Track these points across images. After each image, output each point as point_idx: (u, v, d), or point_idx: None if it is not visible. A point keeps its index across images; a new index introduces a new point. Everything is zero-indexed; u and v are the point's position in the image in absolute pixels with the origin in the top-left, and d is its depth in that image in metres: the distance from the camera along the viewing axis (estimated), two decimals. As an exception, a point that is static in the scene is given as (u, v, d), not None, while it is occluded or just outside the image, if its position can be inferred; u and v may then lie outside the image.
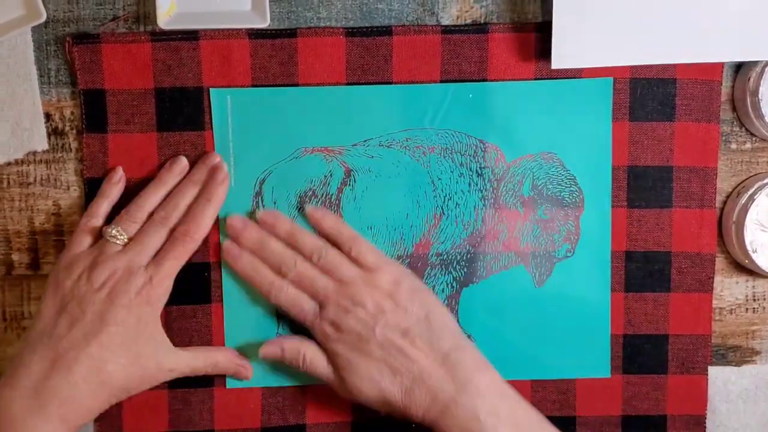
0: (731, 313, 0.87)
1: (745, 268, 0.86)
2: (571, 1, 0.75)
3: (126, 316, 0.75)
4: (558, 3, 0.75)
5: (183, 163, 0.81)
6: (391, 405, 0.77)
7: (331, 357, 0.78)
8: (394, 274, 0.78)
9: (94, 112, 0.82)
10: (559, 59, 0.77)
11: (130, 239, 0.78)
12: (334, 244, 0.80)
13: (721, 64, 0.82)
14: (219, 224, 0.83)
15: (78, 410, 0.73)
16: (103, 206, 0.80)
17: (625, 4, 0.77)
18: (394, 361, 0.76)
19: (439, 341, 0.76)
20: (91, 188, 0.82)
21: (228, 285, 0.84)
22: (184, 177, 0.81)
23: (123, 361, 0.75)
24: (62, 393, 0.72)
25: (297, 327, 0.83)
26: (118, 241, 0.77)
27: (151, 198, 0.80)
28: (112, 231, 0.77)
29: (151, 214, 0.79)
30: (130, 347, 0.75)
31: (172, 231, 0.79)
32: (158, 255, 0.78)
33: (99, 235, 0.79)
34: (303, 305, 0.79)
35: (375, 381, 0.76)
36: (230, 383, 0.85)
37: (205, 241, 0.82)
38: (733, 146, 0.85)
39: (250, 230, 0.80)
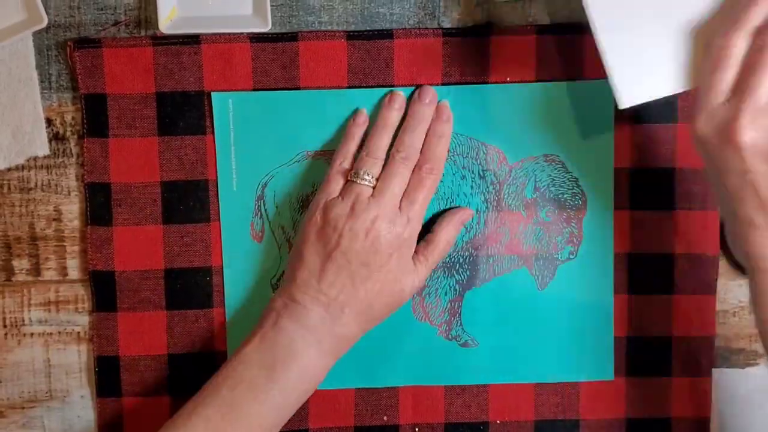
0: (734, 316, 0.86)
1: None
2: (620, 38, 0.71)
3: (388, 261, 0.77)
4: (607, 43, 0.71)
5: (401, 97, 0.81)
6: None
7: None
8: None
9: (95, 117, 0.81)
10: (627, 98, 0.72)
11: (377, 179, 0.78)
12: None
13: None
14: (222, 228, 0.82)
15: (346, 344, 0.79)
16: (351, 148, 0.81)
17: (670, 27, 0.73)
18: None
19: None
20: (92, 193, 0.81)
21: (230, 290, 0.83)
22: (405, 113, 0.81)
23: (386, 298, 0.78)
24: (335, 332, 0.77)
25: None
26: (369, 184, 0.78)
27: (384, 137, 0.80)
28: (363, 175, 0.78)
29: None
30: (393, 287, 0.78)
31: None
32: (408, 194, 0.79)
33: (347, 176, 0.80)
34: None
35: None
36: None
37: (207, 245, 0.82)
38: None
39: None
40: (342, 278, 0.76)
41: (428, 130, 0.80)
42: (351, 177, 0.78)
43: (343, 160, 0.79)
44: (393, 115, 0.80)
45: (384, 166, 0.78)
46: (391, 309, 0.79)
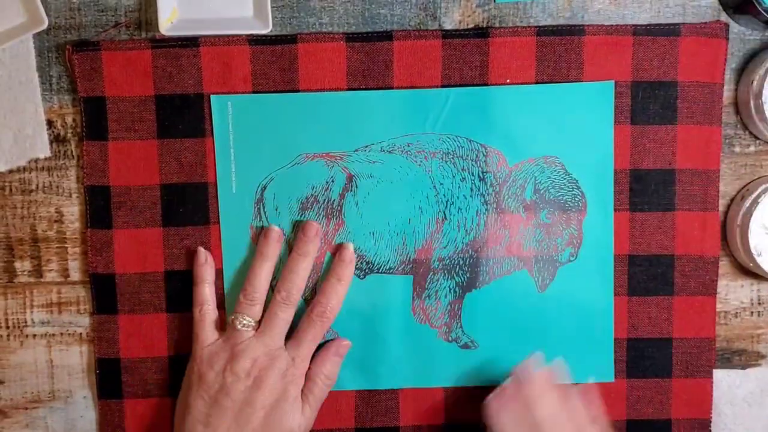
0: (736, 317, 0.85)
1: (750, 271, 0.84)
2: None
3: (272, 398, 0.77)
4: None
5: (275, 231, 0.81)
6: None
7: None
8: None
9: (94, 120, 0.80)
10: None
11: (259, 322, 0.79)
12: None
13: (723, 68, 0.81)
14: (221, 231, 0.81)
15: None
16: (206, 291, 0.80)
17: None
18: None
19: None
20: (92, 196, 0.81)
21: (229, 292, 0.82)
22: (291, 250, 0.81)
23: None
24: None
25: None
26: (249, 329, 0.78)
27: (261, 275, 0.80)
28: (242, 320, 0.78)
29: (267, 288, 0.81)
30: (280, 424, 0.77)
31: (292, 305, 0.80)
32: (295, 336, 0.79)
33: (219, 320, 0.81)
34: None
35: None
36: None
37: (207, 247, 0.81)
38: (737, 149, 0.83)
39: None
40: (227, 421, 0.76)
41: (329, 271, 0.81)
42: (230, 322, 0.79)
43: (203, 306, 0.80)
44: (270, 250, 0.80)
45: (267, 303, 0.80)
46: None
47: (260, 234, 0.80)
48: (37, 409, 0.84)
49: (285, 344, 0.79)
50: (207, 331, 0.79)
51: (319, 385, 0.80)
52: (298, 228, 0.81)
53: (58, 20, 0.80)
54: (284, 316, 0.79)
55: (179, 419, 0.78)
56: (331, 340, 0.82)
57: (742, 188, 0.83)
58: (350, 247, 0.81)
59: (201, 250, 0.80)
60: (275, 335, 0.78)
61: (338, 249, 0.80)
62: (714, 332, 0.84)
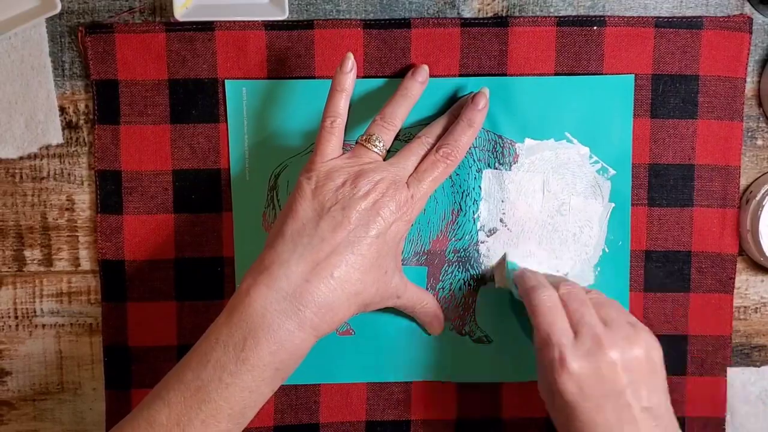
0: (756, 312, 0.77)
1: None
2: None
3: (385, 229, 0.65)
4: None
5: (426, 71, 0.70)
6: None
7: None
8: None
9: (106, 104, 0.73)
10: None
11: (387, 151, 0.68)
12: None
13: (745, 62, 0.73)
14: (234, 218, 0.74)
15: (331, 319, 0.63)
16: (342, 101, 0.67)
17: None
18: (620, 428, 0.64)
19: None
20: (103, 181, 0.74)
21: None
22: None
23: (375, 275, 0.65)
24: (320, 299, 0.62)
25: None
26: (379, 151, 0.67)
27: (402, 107, 0.69)
28: (375, 140, 0.67)
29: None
30: (382, 262, 0.65)
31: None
32: (417, 172, 0.67)
33: (343, 137, 0.68)
34: (559, 322, 0.66)
35: None
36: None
37: (219, 235, 0.74)
38: (759, 142, 0.76)
39: None
40: (338, 235, 0.63)
41: (461, 115, 0.70)
42: (361, 140, 0.68)
43: (335, 117, 0.67)
44: (415, 87, 0.70)
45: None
46: (377, 291, 0.66)
47: (409, 72, 0.71)
48: (45, 400, 0.78)
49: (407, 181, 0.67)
50: (333, 145, 0.67)
51: (418, 294, 0.72)
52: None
53: (71, 4, 0.73)
54: (417, 155, 0.68)
55: (279, 225, 0.65)
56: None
57: (746, 190, 0.75)
58: (486, 92, 0.70)
59: (350, 56, 0.67)
60: (404, 167, 0.67)
61: (474, 96, 0.70)
62: (730, 330, 0.76)
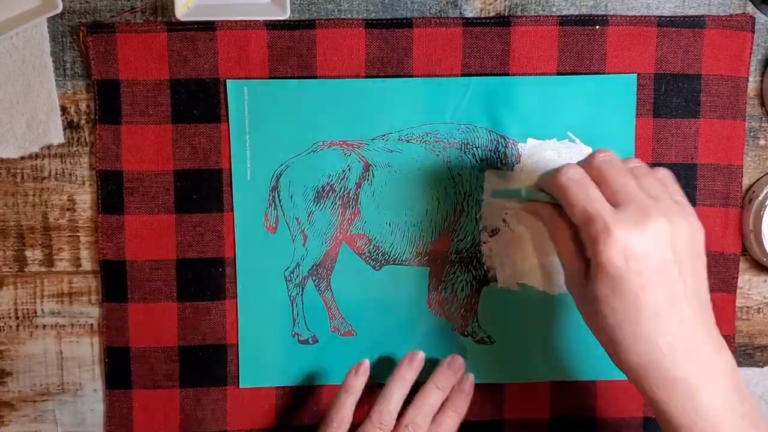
0: (759, 312, 0.77)
1: (770, 267, 0.76)
2: None
3: None
4: None
5: (420, 357, 0.72)
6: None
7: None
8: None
9: (107, 103, 0.72)
10: None
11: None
12: None
13: (748, 62, 0.73)
14: (235, 218, 0.73)
15: None
16: (349, 403, 0.71)
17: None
18: (664, 313, 0.58)
19: (709, 319, 0.60)
20: (104, 181, 0.73)
21: (242, 281, 0.74)
22: (430, 380, 0.72)
23: None
24: None
25: (313, 325, 0.74)
26: None
27: (395, 397, 0.70)
28: None
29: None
30: None
31: None
32: None
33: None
34: (592, 191, 0.59)
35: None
36: (243, 383, 0.75)
37: (220, 235, 0.73)
38: (762, 142, 0.75)
39: None
40: None
41: (447, 400, 0.72)
42: None
43: (341, 415, 0.70)
44: (409, 376, 0.72)
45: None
46: None
47: (404, 358, 0.72)
48: (45, 401, 0.77)
49: None
50: None
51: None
52: (313, 218, 0.72)
53: (72, 4, 0.72)
54: None
55: None
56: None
57: (748, 190, 0.75)
58: (472, 378, 0.73)
59: (365, 362, 0.72)
60: None
61: (461, 382, 0.72)
62: (734, 330, 0.76)
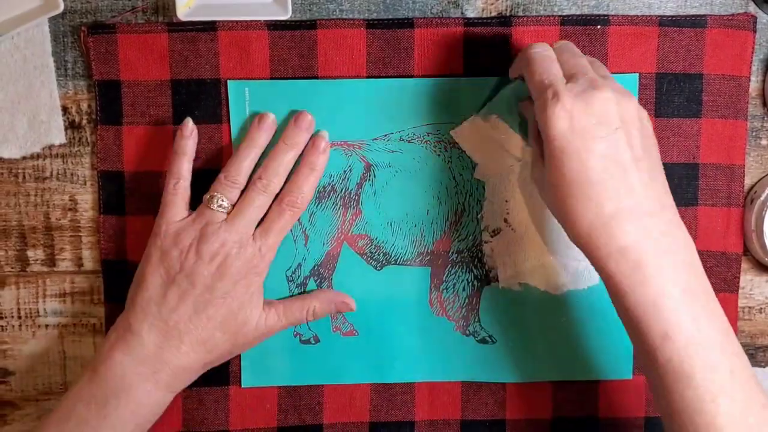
0: (761, 312, 0.76)
1: (772, 267, 0.76)
2: None
3: (234, 288, 0.68)
4: None
5: (270, 118, 0.71)
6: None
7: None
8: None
9: (109, 104, 0.72)
10: None
11: (233, 206, 0.69)
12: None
13: (749, 61, 0.73)
14: None
15: (185, 377, 0.69)
16: (185, 164, 0.70)
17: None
18: (612, 180, 0.58)
19: (662, 193, 0.61)
20: (105, 181, 0.73)
21: None
22: (277, 137, 0.71)
23: (230, 328, 0.68)
24: (173, 363, 0.67)
25: (314, 324, 0.75)
26: (223, 210, 0.68)
27: (246, 160, 0.69)
28: (218, 200, 0.68)
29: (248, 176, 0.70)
30: (236, 316, 0.68)
31: (275, 197, 0.70)
32: (264, 224, 0.69)
33: (189, 197, 0.70)
34: (553, 67, 0.62)
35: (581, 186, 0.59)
36: (245, 382, 0.75)
37: None
38: (764, 142, 0.75)
39: None
40: (184, 304, 0.67)
41: (302, 160, 0.70)
42: (204, 200, 0.69)
43: (179, 179, 0.69)
44: (261, 137, 0.70)
45: (243, 191, 0.69)
46: (234, 344, 0.69)
47: (254, 119, 0.71)
48: (48, 400, 0.77)
49: (253, 233, 0.69)
50: (178, 207, 0.69)
51: (296, 315, 0.72)
52: (314, 219, 0.73)
53: (73, 4, 0.72)
54: (260, 203, 0.68)
55: (132, 292, 0.69)
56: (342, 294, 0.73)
57: (750, 190, 0.75)
58: (325, 135, 0.71)
59: (189, 120, 0.70)
60: (247, 222, 0.68)
61: (313, 139, 0.70)
62: (735, 330, 0.75)
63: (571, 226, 0.59)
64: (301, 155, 0.70)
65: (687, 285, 0.58)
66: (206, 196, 0.69)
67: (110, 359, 0.66)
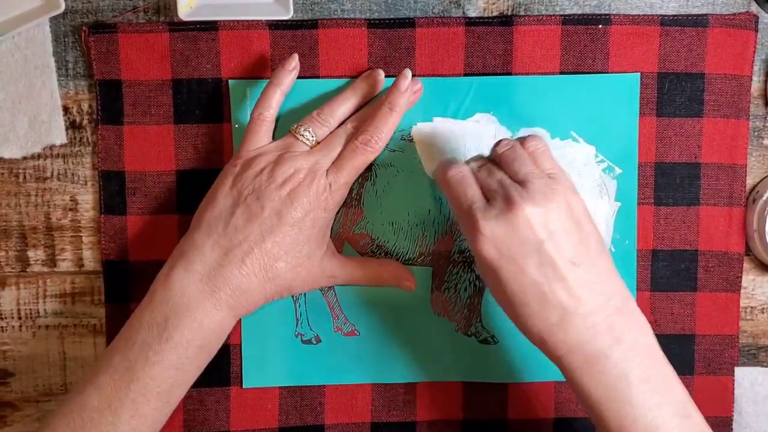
0: (763, 312, 0.76)
1: (776, 267, 0.76)
2: None
3: (302, 218, 0.66)
4: None
5: (381, 76, 0.70)
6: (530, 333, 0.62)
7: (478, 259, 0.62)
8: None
9: (110, 104, 0.72)
10: None
11: (318, 142, 0.68)
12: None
13: (751, 60, 0.73)
14: None
15: (246, 301, 0.66)
16: (276, 96, 0.69)
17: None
18: (551, 292, 0.59)
19: (605, 284, 0.61)
20: (106, 181, 0.73)
21: None
22: (378, 95, 0.70)
23: (292, 260, 0.67)
24: (233, 282, 0.65)
25: (316, 325, 0.74)
26: (307, 142, 0.68)
27: (344, 105, 0.69)
28: (304, 131, 0.68)
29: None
30: (301, 248, 0.67)
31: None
32: (337, 161, 0.67)
33: (274, 127, 0.70)
34: (469, 190, 0.63)
35: (522, 298, 0.60)
36: (247, 383, 0.75)
37: None
38: (766, 141, 0.75)
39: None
40: (251, 225, 0.65)
41: (381, 99, 0.69)
42: (292, 129, 0.68)
43: (266, 109, 0.69)
44: (364, 88, 0.70)
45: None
46: (295, 277, 0.67)
47: (364, 75, 0.71)
48: (48, 402, 0.76)
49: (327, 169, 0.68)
50: (259, 136, 0.68)
51: (362, 266, 0.71)
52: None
53: (74, 4, 0.72)
54: (342, 142, 0.68)
55: (200, 212, 0.68)
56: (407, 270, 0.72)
57: (752, 190, 0.74)
58: (408, 74, 0.69)
59: (295, 56, 0.69)
60: (326, 156, 0.67)
61: (397, 78, 0.69)
62: (737, 329, 0.75)
63: (523, 330, 0.61)
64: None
65: (643, 372, 0.59)
66: (294, 126, 0.68)
67: (169, 277, 0.65)
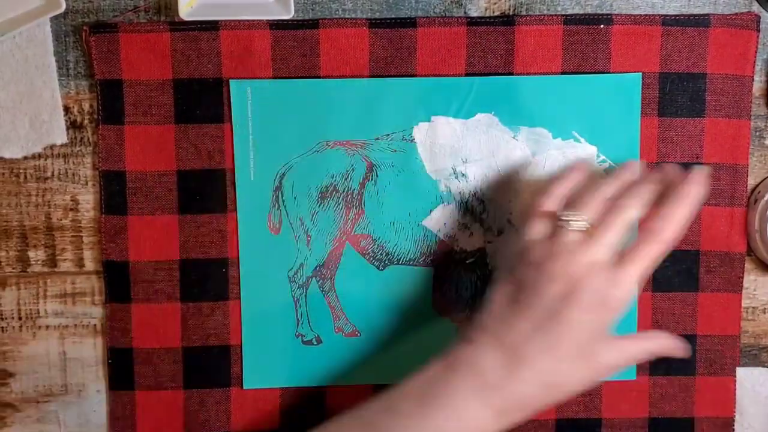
0: (765, 313, 0.76)
1: (778, 267, 0.76)
2: None
3: (580, 318, 0.60)
4: None
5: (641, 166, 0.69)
6: None
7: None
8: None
9: (110, 103, 0.72)
10: None
11: (593, 226, 0.62)
12: None
13: (753, 60, 0.73)
14: (238, 219, 0.73)
15: (519, 409, 0.62)
16: (562, 191, 0.66)
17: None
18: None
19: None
20: (107, 181, 0.73)
21: (246, 282, 0.74)
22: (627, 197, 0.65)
23: (577, 365, 0.61)
24: (509, 388, 0.60)
25: (317, 325, 0.74)
26: (581, 227, 0.62)
27: (608, 188, 0.65)
28: (576, 220, 0.62)
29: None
30: (582, 350, 0.61)
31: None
32: (629, 251, 0.61)
33: (555, 219, 0.64)
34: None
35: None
36: (247, 384, 0.75)
37: (224, 236, 0.73)
38: (767, 142, 0.75)
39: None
40: (527, 324, 0.60)
41: (677, 190, 0.64)
42: (561, 219, 0.63)
43: (552, 200, 0.65)
44: (627, 175, 0.67)
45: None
46: (582, 380, 0.62)
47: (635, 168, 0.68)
48: (49, 402, 0.76)
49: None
50: (536, 225, 0.64)
51: (635, 344, 0.65)
52: (316, 219, 0.72)
53: (75, 4, 0.72)
54: (620, 228, 0.62)
55: (478, 314, 0.64)
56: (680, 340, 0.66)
57: (754, 190, 0.74)
58: (704, 170, 0.64)
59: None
60: (603, 246, 0.61)
61: (692, 173, 0.64)
62: (739, 330, 0.75)
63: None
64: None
65: None
66: (562, 214, 0.63)
67: (447, 363, 0.62)
